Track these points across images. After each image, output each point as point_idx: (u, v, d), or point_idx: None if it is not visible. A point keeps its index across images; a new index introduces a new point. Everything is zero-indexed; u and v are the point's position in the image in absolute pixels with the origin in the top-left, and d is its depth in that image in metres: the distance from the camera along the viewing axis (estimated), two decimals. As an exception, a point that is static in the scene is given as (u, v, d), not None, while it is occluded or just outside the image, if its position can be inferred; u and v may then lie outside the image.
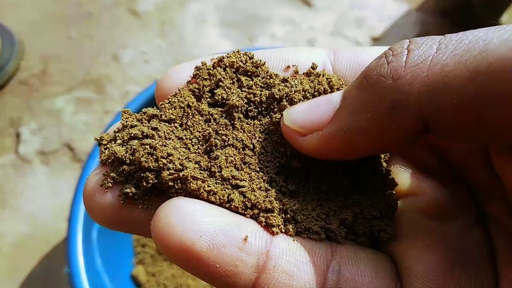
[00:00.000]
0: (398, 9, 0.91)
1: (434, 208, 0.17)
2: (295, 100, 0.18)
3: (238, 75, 0.20)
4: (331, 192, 0.18)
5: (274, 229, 0.16)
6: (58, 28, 0.89)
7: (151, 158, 0.17)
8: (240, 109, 0.19)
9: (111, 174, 0.18)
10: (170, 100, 0.20)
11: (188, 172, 0.17)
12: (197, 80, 0.20)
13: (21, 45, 0.85)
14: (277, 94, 0.19)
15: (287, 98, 0.19)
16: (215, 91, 0.20)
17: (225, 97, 0.19)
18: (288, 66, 0.20)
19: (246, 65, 0.20)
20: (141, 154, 0.17)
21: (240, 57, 0.20)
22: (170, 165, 0.17)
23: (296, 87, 0.19)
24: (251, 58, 0.21)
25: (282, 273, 0.14)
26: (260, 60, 0.20)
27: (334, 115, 0.15)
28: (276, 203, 0.17)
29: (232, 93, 0.19)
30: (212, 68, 0.20)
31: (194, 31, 0.88)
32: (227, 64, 0.20)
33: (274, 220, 0.16)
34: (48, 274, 0.67)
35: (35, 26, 0.89)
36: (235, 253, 0.14)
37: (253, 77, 0.20)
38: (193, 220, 0.14)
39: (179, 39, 0.87)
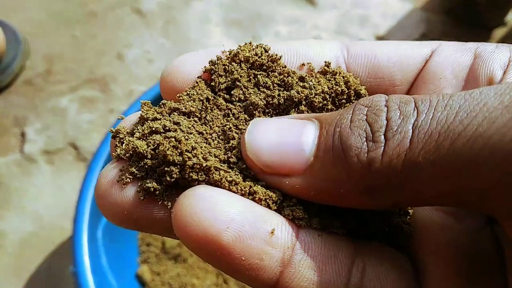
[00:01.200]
0: (402, 7, 0.91)
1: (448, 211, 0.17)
2: (315, 103, 0.18)
3: (254, 71, 0.20)
4: None
5: (300, 222, 0.16)
6: (62, 28, 0.89)
7: (176, 152, 0.16)
8: (259, 108, 0.19)
9: (130, 169, 0.17)
10: (188, 92, 0.19)
11: (211, 163, 0.16)
12: (212, 77, 0.19)
13: (26, 44, 0.85)
14: (295, 97, 0.19)
15: (306, 101, 0.19)
16: (232, 92, 0.19)
17: (242, 98, 0.19)
18: (303, 64, 0.19)
19: (262, 59, 0.20)
20: (166, 148, 0.16)
21: (255, 50, 0.20)
22: (195, 159, 0.16)
23: (314, 87, 0.18)
24: (266, 51, 0.20)
25: (307, 268, 0.14)
26: (276, 54, 0.20)
27: (307, 171, 0.15)
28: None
29: (250, 93, 0.19)
30: (228, 64, 0.20)
31: (198, 30, 0.89)
32: (242, 59, 0.20)
33: (300, 213, 0.16)
34: (53, 272, 0.68)
35: (40, 26, 0.89)
36: (261, 246, 0.14)
37: (269, 72, 0.20)
38: (220, 210, 0.14)
39: (183, 38, 0.87)
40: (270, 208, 0.16)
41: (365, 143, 0.13)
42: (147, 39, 0.87)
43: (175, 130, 0.17)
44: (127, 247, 0.61)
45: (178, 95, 0.18)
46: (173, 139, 0.16)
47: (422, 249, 0.16)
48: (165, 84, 0.19)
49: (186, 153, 0.16)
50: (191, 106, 0.18)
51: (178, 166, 0.16)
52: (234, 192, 0.16)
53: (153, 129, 0.17)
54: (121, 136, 0.18)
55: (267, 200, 0.16)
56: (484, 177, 0.12)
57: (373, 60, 0.19)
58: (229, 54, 0.20)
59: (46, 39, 0.87)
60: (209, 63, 0.19)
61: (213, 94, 0.19)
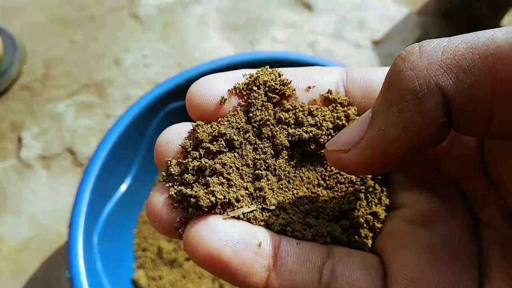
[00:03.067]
0: (398, 11, 0.91)
1: (419, 217, 0.18)
2: (321, 141, 0.22)
3: (269, 93, 0.22)
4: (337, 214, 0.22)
5: (296, 233, 0.20)
6: (60, 32, 0.89)
7: (211, 204, 0.20)
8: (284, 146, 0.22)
9: (174, 197, 0.20)
10: (229, 119, 0.22)
11: (237, 212, 0.20)
12: (251, 109, 0.22)
13: (23, 49, 0.85)
14: (304, 137, 0.22)
15: (314, 140, 0.22)
16: (262, 129, 0.22)
17: (270, 135, 0.22)
18: (309, 87, 0.22)
19: (276, 83, 0.22)
20: (204, 204, 0.20)
21: (271, 75, 0.22)
22: (227, 214, 0.20)
23: (320, 124, 0.22)
24: (280, 76, 0.23)
25: (287, 271, 0.18)
26: (287, 79, 0.22)
27: (370, 122, 0.16)
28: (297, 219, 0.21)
29: (277, 131, 0.22)
30: (246, 89, 0.22)
31: (196, 34, 0.89)
32: (261, 82, 0.22)
33: (296, 226, 0.20)
34: (50, 277, 0.68)
35: (37, 30, 0.90)
36: (251, 256, 0.17)
37: (281, 97, 0.22)
38: (219, 232, 0.18)
39: (181, 43, 0.87)
40: (265, 226, 0.20)
41: (400, 58, 0.15)
42: (145, 44, 0.87)
43: (221, 173, 0.21)
44: (123, 252, 0.61)
45: (219, 119, 0.21)
46: (211, 196, 0.20)
47: (387, 251, 0.19)
48: (193, 104, 0.20)
49: (219, 206, 0.20)
50: (234, 135, 0.21)
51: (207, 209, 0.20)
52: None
53: (202, 168, 0.21)
54: (174, 172, 0.21)
55: (264, 221, 0.20)
56: None
57: (368, 83, 0.21)
58: (250, 78, 0.22)
59: (44, 43, 0.88)
60: (232, 89, 0.22)
61: (248, 125, 0.22)
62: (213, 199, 0.20)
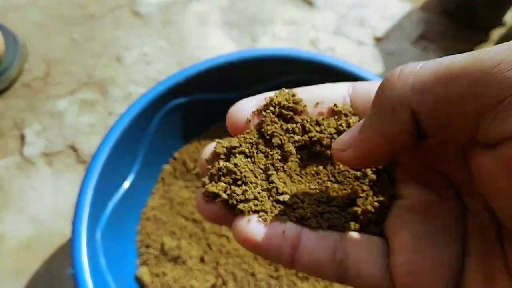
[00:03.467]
0: (400, 8, 0.91)
1: (416, 206, 0.22)
2: (324, 143, 0.25)
3: (282, 111, 0.26)
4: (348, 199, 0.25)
5: (309, 222, 0.24)
6: (61, 30, 0.89)
7: (238, 200, 0.24)
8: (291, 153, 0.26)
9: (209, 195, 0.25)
10: (245, 136, 0.26)
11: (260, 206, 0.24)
12: (263, 125, 0.26)
13: (25, 47, 0.85)
14: (309, 141, 0.25)
15: (319, 143, 0.25)
16: (272, 139, 0.26)
17: (280, 144, 0.25)
18: (318, 103, 0.26)
19: (288, 102, 0.26)
20: (232, 201, 0.24)
21: (286, 96, 0.26)
22: (249, 205, 0.24)
23: (326, 131, 0.25)
24: (293, 96, 0.26)
25: (307, 250, 0.22)
26: (299, 98, 0.26)
27: (360, 129, 0.20)
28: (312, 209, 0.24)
29: (285, 139, 0.26)
30: (264, 110, 0.26)
31: (197, 32, 0.89)
32: (276, 103, 0.26)
33: (308, 214, 0.24)
34: (53, 275, 0.68)
35: (38, 29, 0.90)
36: (279, 241, 0.22)
37: (294, 113, 0.26)
38: (252, 225, 0.23)
39: (182, 40, 0.87)
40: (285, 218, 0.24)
41: (385, 79, 0.19)
42: (146, 41, 0.87)
43: (240, 177, 0.25)
44: (126, 248, 0.61)
45: (238, 136, 0.26)
46: (239, 192, 0.24)
47: (388, 233, 0.23)
48: (230, 122, 0.25)
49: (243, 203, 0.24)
50: (247, 147, 0.25)
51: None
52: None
53: (223, 173, 0.25)
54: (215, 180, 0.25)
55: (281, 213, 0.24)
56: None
57: (368, 95, 0.24)
58: (268, 100, 0.26)
59: (45, 41, 0.87)
60: (256, 112, 0.26)
61: (260, 139, 0.26)
62: (239, 197, 0.24)
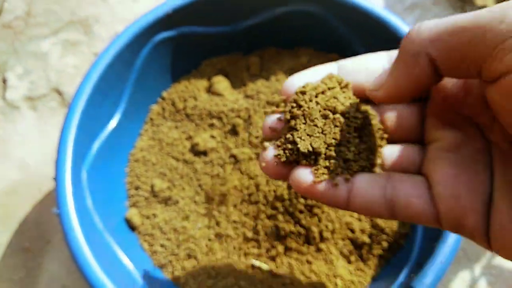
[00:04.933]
0: None
1: (448, 146, 0.26)
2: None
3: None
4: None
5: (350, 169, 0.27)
6: (41, -33, 0.83)
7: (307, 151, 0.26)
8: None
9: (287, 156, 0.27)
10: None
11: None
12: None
13: (3, -15, 0.80)
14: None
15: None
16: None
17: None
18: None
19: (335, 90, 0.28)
20: (304, 149, 0.26)
21: (333, 82, 0.28)
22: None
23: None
24: (340, 83, 0.28)
25: (362, 190, 0.25)
26: (347, 82, 0.28)
27: (389, 71, 0.24)
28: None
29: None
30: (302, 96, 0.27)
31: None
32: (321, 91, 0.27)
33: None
34: (41, 220, 0.66)
35: (16, -35, 0.83)
36: (332, 189, 0.25)
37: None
38: (308, 175, 0.26)
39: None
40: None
41: (408, 32, 0.23)
42: (132, -22, 0.81)
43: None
44: (114, 190, 0.59)
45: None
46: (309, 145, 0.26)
47: (428, 169, 0.26)
48: (285, 90, 0.28)
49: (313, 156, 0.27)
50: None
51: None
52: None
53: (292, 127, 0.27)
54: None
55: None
56: None
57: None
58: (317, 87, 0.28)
59: (24, -22, 0.82)
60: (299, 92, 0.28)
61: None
62: (310, 147, 0.26)
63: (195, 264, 0.54)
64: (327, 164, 0.26)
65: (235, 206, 0.55)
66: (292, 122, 0.27)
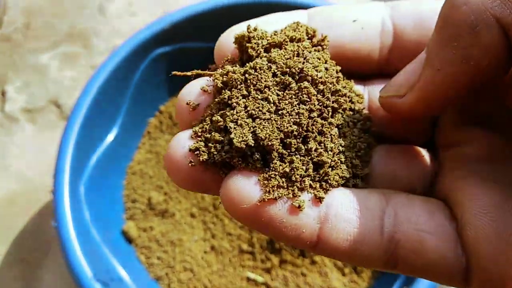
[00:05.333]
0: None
1: (482, 152, 0.17)
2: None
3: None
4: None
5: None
6: (40, -19, 0.84)
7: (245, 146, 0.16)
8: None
9: (204, 148, 0.16)
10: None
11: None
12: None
13: (3, -1, 0.81)
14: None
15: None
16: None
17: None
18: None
19: (300, 35, 0.18)
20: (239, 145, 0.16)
21: (300, 33, 0.18)
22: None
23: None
24: (310, 36, 0.19)
25: (343, 221, 0.16)
26: (323, 36, 0.19)
27: (425, 62, 0.15)
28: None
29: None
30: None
31: (184, -18, 0.84)
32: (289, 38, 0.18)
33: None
34: (39, 231, 0.66)
35: (16, -21, 0.85)
36: (293, 215, 0.16)
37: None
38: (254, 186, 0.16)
39: (168, -9, 0.83)
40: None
41: None
42: (130, -8, 0.83)
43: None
44: (112, 203, 0.60)
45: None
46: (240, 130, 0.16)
47: (456, 191, 0.17)
48: (219, 51, 0.19)
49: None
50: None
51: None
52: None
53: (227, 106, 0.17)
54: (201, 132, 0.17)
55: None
56: None
57: (420, 13, 0.18)
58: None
59: (23, -8, 0.83)
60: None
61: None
62: (251, 139, 0.16)
63: (191, 276, 0.55)
64: (285, 169, 0.16)
65: (230, 218, 0.56)
66: (225, 94, 0.17)
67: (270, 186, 0.16)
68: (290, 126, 0.16)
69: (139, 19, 0.79)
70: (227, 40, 0.19)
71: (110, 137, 0.59)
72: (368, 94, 0.20)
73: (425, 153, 0.19)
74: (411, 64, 0.16)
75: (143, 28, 0.58)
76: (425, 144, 0.20)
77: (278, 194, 0.16)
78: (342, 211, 0.16)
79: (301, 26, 0.18)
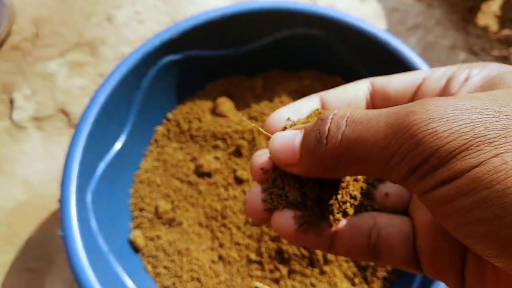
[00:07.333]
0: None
1: None
2: None
3: None
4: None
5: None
6: (49, -10, 0.85)
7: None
8: None
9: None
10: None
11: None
12: None
13: (12, 8, 0.81)
14: None
15: None
16: None
17: None
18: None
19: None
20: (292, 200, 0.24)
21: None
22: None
23: None
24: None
25: (344, 237, 0.24)
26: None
27: (299, 162, 0.22)
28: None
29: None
30: None
31: (192, -9, 0.84)
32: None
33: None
34: (46, 239, 0.66)
35: (25, -12, 0.85)
36: (315, 237, 0.24)
37: None
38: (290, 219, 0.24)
39: None
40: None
41: (316, 145, 0.20)
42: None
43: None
44: (118, 212, 0.59)
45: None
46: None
47: (413, 212, 0.25)
48: (267, 130, 0.26)
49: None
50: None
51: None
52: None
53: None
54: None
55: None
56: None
57: (388, 91, 0.25)
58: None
59: (33, 1, 0.83)
60: None
61: None
62: (299, 197, 0.23)
63: (199, 286, 0.54)
64: (314, 211, 0.24)
65: (238, 228, 0.55)
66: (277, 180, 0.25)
67: (302, 220, 0.23)
68: (326, 192, 0.24)
69: (147, 27, 0.79)
70: (276, 120, 0.25)
71: (118, 145, 0.59)
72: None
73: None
74: (287, 147, 0.22)
75: (151, 37, 0.58)
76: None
77: (306, 226, 0.23)
78: (345, 234, 0.24)
79: (320, 113, 0.24)
